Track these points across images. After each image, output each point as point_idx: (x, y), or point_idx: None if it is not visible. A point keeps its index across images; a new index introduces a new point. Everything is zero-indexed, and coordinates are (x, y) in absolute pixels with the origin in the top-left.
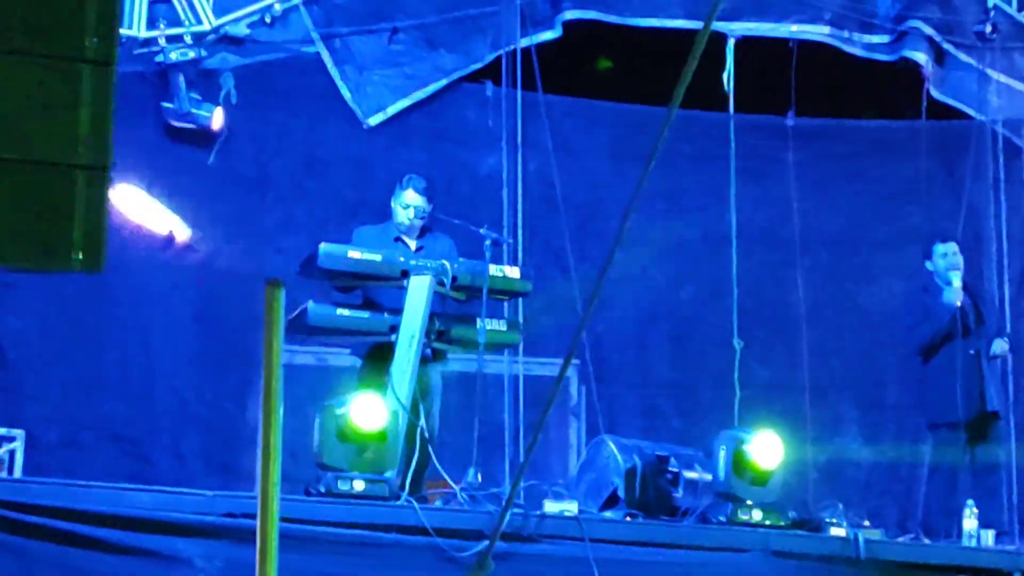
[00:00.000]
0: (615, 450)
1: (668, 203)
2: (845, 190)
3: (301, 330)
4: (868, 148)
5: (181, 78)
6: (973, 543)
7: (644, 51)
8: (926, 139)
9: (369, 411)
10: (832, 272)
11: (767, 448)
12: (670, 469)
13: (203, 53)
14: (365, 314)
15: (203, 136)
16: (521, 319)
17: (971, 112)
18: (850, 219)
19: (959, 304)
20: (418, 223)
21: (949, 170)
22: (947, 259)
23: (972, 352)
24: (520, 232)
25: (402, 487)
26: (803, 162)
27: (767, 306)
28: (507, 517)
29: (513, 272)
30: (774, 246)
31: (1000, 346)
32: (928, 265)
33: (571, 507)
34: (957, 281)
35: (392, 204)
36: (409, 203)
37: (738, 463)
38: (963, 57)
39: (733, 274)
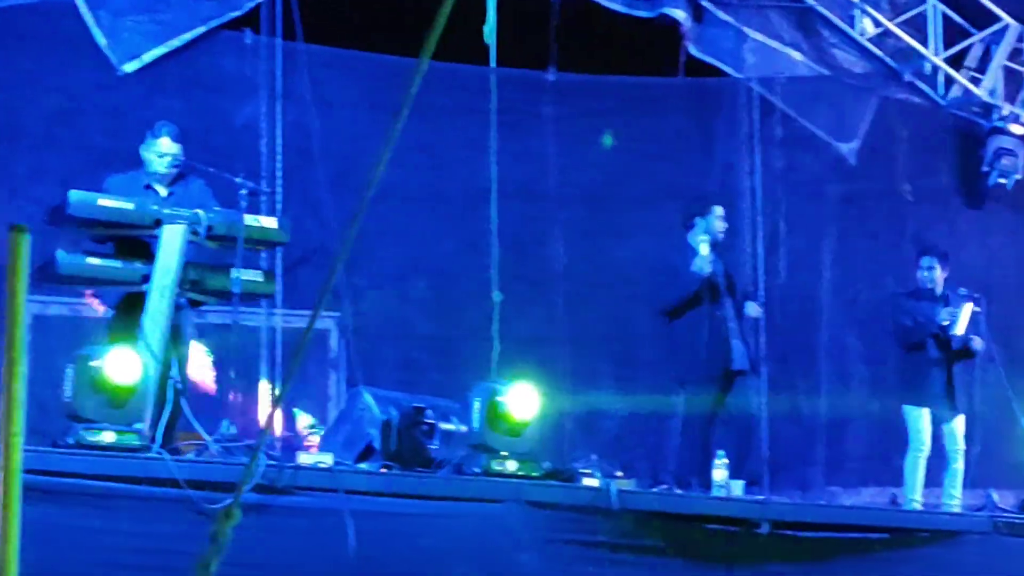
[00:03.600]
0: (371, 402)
1: (428, 156)
2: (604, 147)
3: (51, 279)
4: (626, 105)
5: None
6: (723, 493)
7: (405, 1)
8: (683, 96)
9: (124, 364)
10: (589, 228)
11: (522, 399)
12: (426, 421)
13: None
14: (117, 263)
15: None
16: (279, 270)
17: (727, 70)
18: (608, 175)
19: (707, 273)
20: (173, 171)
21: (705, 128)
22: (722, 221)
23: (718, 315)
24: (278, 182)
25: (153, 439)
26: (562, 117)
27: (525, 260)
28: (259, 467)
29: (270, 222)
30: (533, 201)
31: (754, 309)
32: (700, 222)
33: (326, 459)
34: (705, 249)
35: (144, 153)
36: (165, 151)
37: (493, 415)
38: (720, 15)
39: (492, 228)
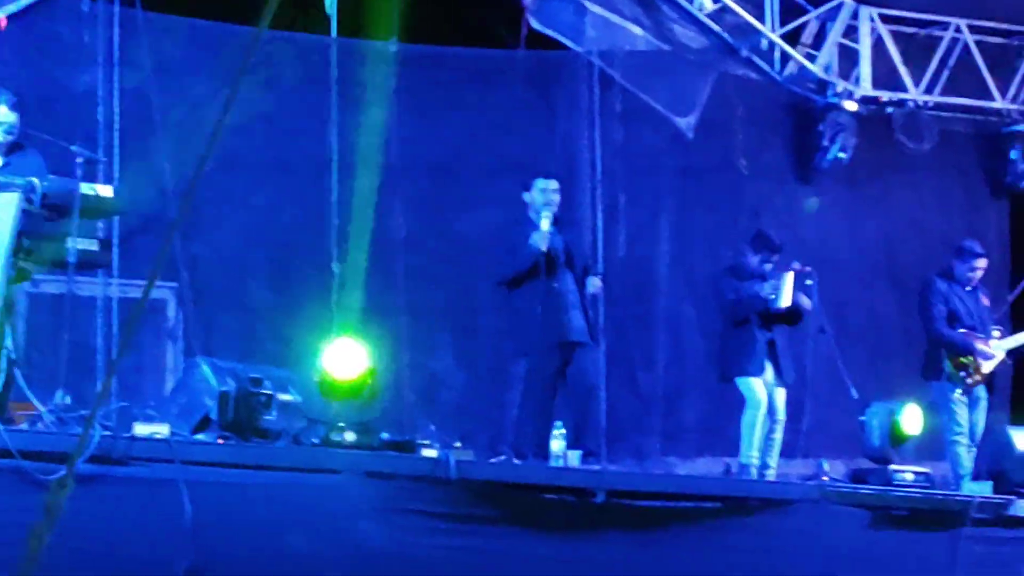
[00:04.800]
0: (208, 372)
1: (269, 125)
2: (446, 118)
3: None
4: (468, 76)
5: None
6: (560, 463)
7: None
8: (524, 69)
9: None
10: (430, 199)
11: (345, 355)
12: (264, 391)
13: None
14: None
15: None
16: (115, 239)
17: (568, 43)
18: (449, 147)
19: (544, 249)
20: (8, 139)
21: (546, 101)
22: (545, 195)
23: (556, 288)
24: (116, 151)
25: None
26: (405, 89)
27: (367, 231)
28: (93, 438)
29: (106, 191)
30: (375, 172)
31: (594, 285)
32: (525, 196)
33: (162, 429)
34: (546, 224)
35: None
36: (1, 120)
37: (327, 383)
38: None
39: (333, 199)
